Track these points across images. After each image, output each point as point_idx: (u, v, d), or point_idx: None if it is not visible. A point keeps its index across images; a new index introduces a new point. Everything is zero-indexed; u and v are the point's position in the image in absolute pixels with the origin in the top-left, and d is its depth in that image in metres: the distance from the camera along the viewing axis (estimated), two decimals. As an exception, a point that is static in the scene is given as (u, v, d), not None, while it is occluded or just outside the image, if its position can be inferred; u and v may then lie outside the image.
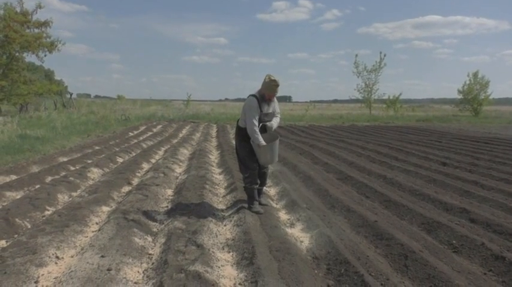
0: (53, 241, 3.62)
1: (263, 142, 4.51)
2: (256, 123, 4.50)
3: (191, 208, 4.76)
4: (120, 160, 8.61)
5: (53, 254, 3.41)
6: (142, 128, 17.05)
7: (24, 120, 16.24)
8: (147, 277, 3.14)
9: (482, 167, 8.26)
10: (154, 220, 4.54)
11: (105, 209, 4.92)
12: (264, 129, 4.67)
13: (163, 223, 4.44)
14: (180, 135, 14.60)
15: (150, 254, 3.63)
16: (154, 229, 4.28)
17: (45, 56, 23.06)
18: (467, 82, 37.08)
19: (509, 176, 7.27)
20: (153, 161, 8.63)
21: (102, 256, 3.29)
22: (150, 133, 14.94)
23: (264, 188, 5.29)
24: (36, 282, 2.96)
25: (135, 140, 12.26)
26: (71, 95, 33.56)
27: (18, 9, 21.70)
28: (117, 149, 9.96)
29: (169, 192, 5.93)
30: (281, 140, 4.85)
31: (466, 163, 8.84)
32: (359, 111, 37.07)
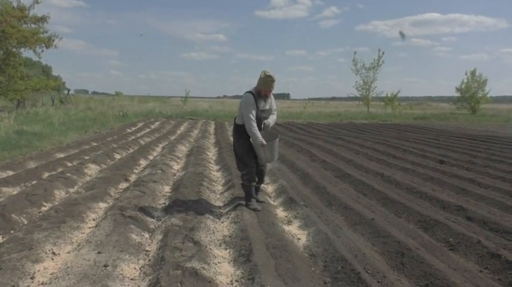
0: (50, 237, 3.61)
1: (263, 140, 4.49)
2: (254, 120, 4.48)
3: (188, 205, 4.76)
4: (117, 156, 8.59)
5: (49, 250, 3.40)
6: (140, 124, 17.01)
7: (21, 116, 16.18)
8: (143, 273, 3.13)
9: (479, 165, 8.28)
10: (152, 217, 4.53)
11: (102, 205, 4.91)
12: (262, 127, 4.66)
13: (160, 220, 4.44)
14: (178, 132, 14.58)
15: (147, 250, 3.63)
16: (152, 226, 4.28)
17: (42, 51, 22.96)
18: (465, 80, 37.17)
19: (506, 174, 7.29)
20: (151, 157, 8.62)
21: (99, 252, 3.28)
22: (148, 130, 14.91)
23: (262, 185, 5.28)
24: (32, 278, 2.95)
25: (133, 137, 12.23)
26: (69, 91, 33.47)
27: (15, 4, 21.60)
28: (114, 146, 9.94)
29: (167, 189, 5.93)
30: (279, 137, 4.82)
31: (463, 161, 8.85)
32: (357, 109, 37.09)
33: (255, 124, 4.49)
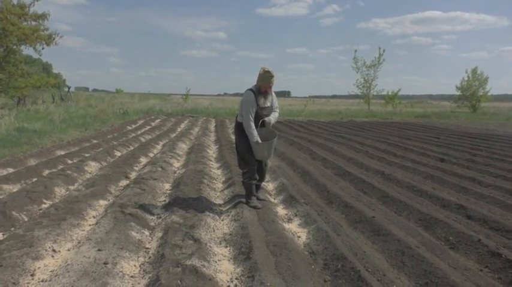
0: (50, 234, 3.61)
1: (258, 139, 4.50)
2: (252, 118, 4.49)
3: (189, 203, 4.75)
4: (118, 153, 8.59)
5: (49, 248, 3.40)
6: (140, 122, 17.01)
7: (22, 114, 16.17)
8: (143, 271, 3.14)
9: (480, 164, 8.27)
10: (152, 214, 4.53)
11: (102, 202, 4.92)
12: (262, 125, 4.65)
13: (160, 217, 4.44)
14: (179, 129, 14.57)
15: (147, 248, 3.63)
16: (152, 223, 4.28)
17: (42, 49, 22.90)
18: (466, 79, 37.07)
19: (506, 173, 7.28)
20: (151, 155, 8.61)
21: (99, 250, 3.29)
22: (148, 127, 14.91)
23: (262, 183, 5.27)
24: (32, 275, 2.96)
25: (133, 134, 12.23)
26: (69, 88, 33.47)
27: (15, 2, 21.54)
28: (115, 143, 9.93)
29: (167, 186, 5.93)
30: (279, 135, 4.82)
31: (464, 159, 8.85)
32: (357, 107, 37.06)
33: (252, 123, 4.50)
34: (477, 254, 3.68)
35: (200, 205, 4.68)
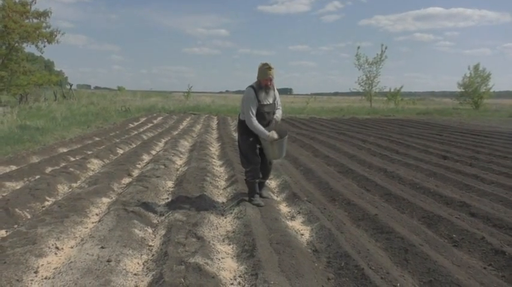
0: (53, 231, 3.62)
1: (269, 133, 4.36)
2: (254, 114, 4.39)
3: (192, 200, 4.75)
4: (120, 151, 8.60)
5: (52, 245, 3.41)
6: (142, 119, 17.01)
7: (24, 111, 16.20)
8: (147, 268, 3.14)
9: (483, 161, 8.25)
10: (155, 212, 4.53)
11: (105, 200, 4.92)
12: (267, 123, 4.55)
13: (163, 215, 4.44)
14: (181, 127, 14.57)
15: (150, 245, 3.63)
16: (155, 221, 4.28)
17: (44, 46, 22.94)
18: (468, 75, 36.94)
19: (509, 170, 7.25)
20: (154, 152, 8.62)
21: (102, 247, 3.29)
22: (151, 125, 14.91)
23: (266, 181, 5.21)
24: (36, 272, 2.96)
25: (136, 132, 12.24)
26: (71, 86, 33.50)
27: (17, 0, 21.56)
28: (117, 141, 9.94)
29: (170, 184, 5.93)
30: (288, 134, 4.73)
31: (467, 156, 8.82)
32: (360, 104, 36.96)
33: (255, 119, 4.39)
34: (481, 252, 3.67)
35: (203, 203, 4.68)
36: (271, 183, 6.20)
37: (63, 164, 6.79)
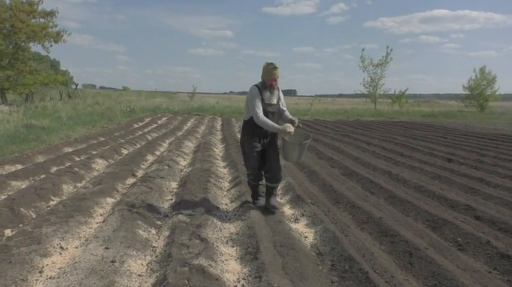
0: (58, 231, 3.63)
1: (281, 127, 4.22)
2: (260, 110, 4.26)
3: (195, 201, 4.76)
4: (124, 151, 8.62)
5: (57, 245, 3.42)
6: (147, 120, 17.06)
7: (30, 110, 16.29)
8: (150, 269, 3.14)
9: (488, 164, 8.20)
10: (159, 213, 4.54)
11: (110, 200, 4.93)
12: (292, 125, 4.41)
13: (167, 216, 4.45)
14: (185, 127, 14.59)
15: (154, 247, 3.64)
16: (159, 222, 4.28)
17: (51, 46, 23.12)
18: (474, 78, 36.77)
19: (515, 174, 7.21)
20: (158, 153, 8.63)
21: (106, 248, 3.30)
22: (155, 125, 14.95)
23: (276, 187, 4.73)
24: (40, 272, 2.98)
25: (140, 132, 12.27)
26: (77, 85, 33.64)
27: (24, -1, 21.73)
28: (122, 141, 9.97)
29: (174, 185, 5.94)
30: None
31: (472, 159, 8.77)
32: (364, 106, 36.88)
33: (261, 114, 4.24)
34: (486, 255, 3.65)
35: (207, 204, 4.68)
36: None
37: (68, 163, 6.82)
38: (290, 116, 4.55)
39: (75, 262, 3.06)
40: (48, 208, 4.50)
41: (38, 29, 21.55)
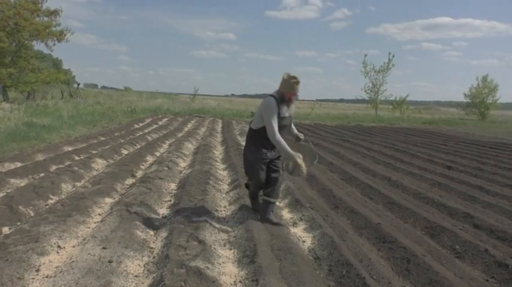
0: (56, 230, 3.63)
1: (293, 153, 3.95)
2: (276, 126, 3.94)
3: (194, 203, 4.75)
4: (124, 151, 8.62)
5: (54, 244, 3.41)
6: (147, 120, 17.07)
7: (31, 108, 16.31)
8: (147, 270, 3.14)
9: (488, 172, 8.20)
10: (157, 214, 4.54)
11: (108, 200, 4.93)
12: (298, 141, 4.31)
13: (165, 217, 4.44)
14: (185, 129, 14.60)
15: (151, 247, 3.63)
16: (157, 223, 4.28)
17: (54, 45, 23.15)
18: (475, 86, 36.84)
19: (515, 182, 7.20)
20: (158, 154, 8.63)
21: (104, 248, 3.30)
22: (156, 126, 14.96)
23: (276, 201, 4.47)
24: (37, 270, 2.97)
25: (140, 133, 12.28)
26: (78, 84, 33.68)
27: (28, -3, 21.78)
28: (122, 141, 9.97)
29: (173, 186, 5.93)
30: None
31: (472, 167, 8.77)
32: (365, 112, 36.90)
33: (278, 133, 3.94)
34: (484, 264, 3.65)
35: (205, 206, 4.67)
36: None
37: (68, 162, 6.82)
38: (295, 131, 4.42)
39: (72, 261, 3.06)
40: (47, 207, 4.50)
41: (41, 28, 21.59)
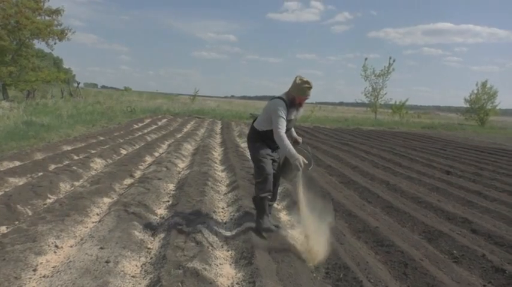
0: (53, 229, 3.62)
1: (298, 156, 3.72)
2: (284, 130, 3.81)
3: (192, 204, 4.75)
4: (123, 151, 8.61)
5: (52, 243, 3.41)
6: (147, 120, 17.06)
7: (31, 107, 16.29)
8: (145, 271, 3.13)
9: (486, 178, 8.21)
10: (155, 214, 4.53)
11: (107, 200, 4.92)
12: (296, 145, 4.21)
13: (163, 218, 4.44)
14: (185, 130, 14.60)
15: (149, 248, 3.63)
16: (155, 223, 4.27)
17: (55, 43, 23.17)
18: (475, 91, 36.93)
19: (513, 188, 7.21)
20: (157, 154, 8.63)
21: (101, 248, 3.29)
22: (155, 126, 14.95)
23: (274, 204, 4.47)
24: (34, 270, 2.97)
25: (140, 133, 12.27)
26: (78, 84, 33.69)
27: (30, -4, 21.80)
28: (121, 141, 9.97)
29: (171, 187, 5.93)
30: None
31: (470, 172, 8.78)
32: (364, 115, 36.95)
33: (284, 133, 3.81)
34: (481, 269, 3.65)
35: (203, 207, 4.67)
36: (273, 190, 6.18)
37: (67, 162, 6.81)
38: (294, 133, 4.38)
39: (70, 261, 3.05)
40: (45, 206, 4.49)
41: (42, 26, 21.61)
